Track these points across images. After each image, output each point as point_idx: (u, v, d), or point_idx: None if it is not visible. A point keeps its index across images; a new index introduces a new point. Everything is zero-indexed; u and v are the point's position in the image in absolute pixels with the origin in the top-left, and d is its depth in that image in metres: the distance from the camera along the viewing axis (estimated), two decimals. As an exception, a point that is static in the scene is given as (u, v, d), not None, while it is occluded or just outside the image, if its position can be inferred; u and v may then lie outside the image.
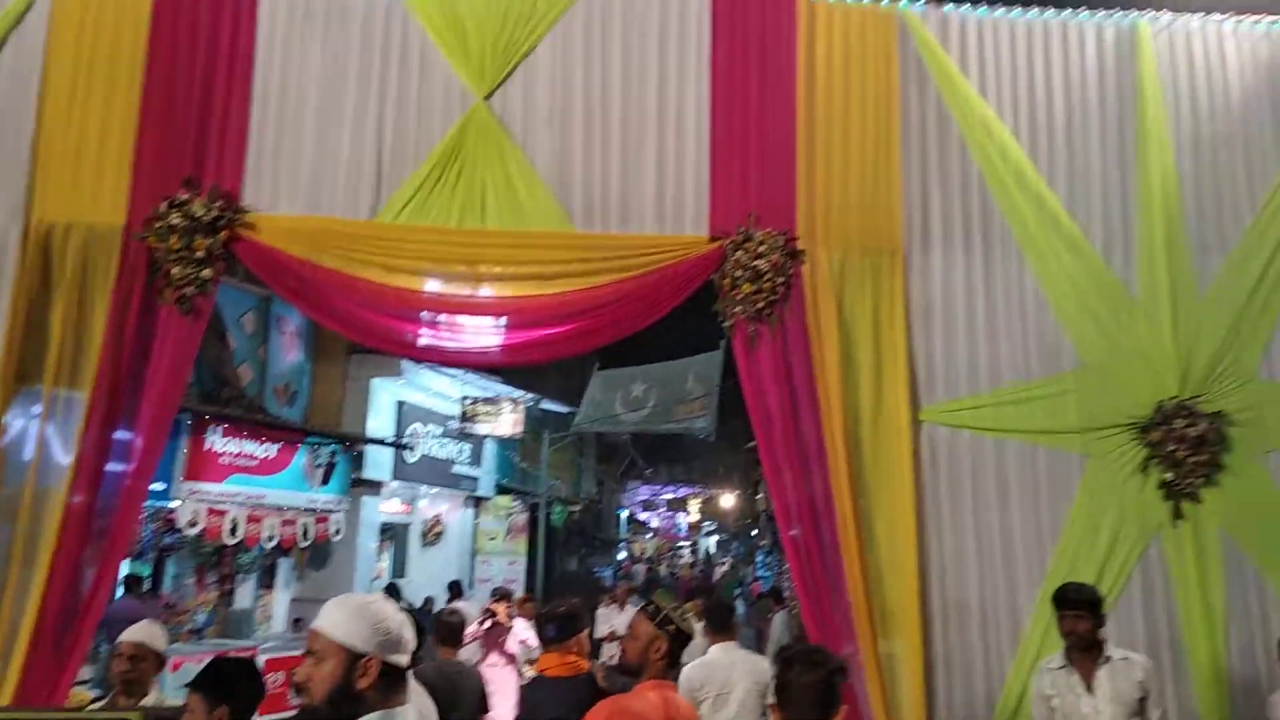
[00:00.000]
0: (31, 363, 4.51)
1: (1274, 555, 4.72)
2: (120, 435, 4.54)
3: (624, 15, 4.95)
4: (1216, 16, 5.26)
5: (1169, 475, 4.75)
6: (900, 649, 4.48)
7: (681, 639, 3.16)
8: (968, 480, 4.76)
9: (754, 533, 36.49)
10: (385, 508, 14.89)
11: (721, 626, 5.01)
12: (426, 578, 15.38)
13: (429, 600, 13.56)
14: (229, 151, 4.72)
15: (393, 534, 15.80)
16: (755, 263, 4.68)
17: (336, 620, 2.09)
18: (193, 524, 10.13)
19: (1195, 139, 5.12)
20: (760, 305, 4.71)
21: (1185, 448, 4.72)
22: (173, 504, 10.04)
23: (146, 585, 10.09)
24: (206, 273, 4.58)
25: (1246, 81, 5.22)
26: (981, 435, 4.81)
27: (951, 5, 5.13)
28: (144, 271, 4.56)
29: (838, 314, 4.73)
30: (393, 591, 12.60)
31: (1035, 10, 5.19)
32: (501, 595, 8.59)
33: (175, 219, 4.53)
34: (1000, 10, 5.18)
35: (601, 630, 9.69)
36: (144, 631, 3.89)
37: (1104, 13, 5.22)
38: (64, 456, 4.47)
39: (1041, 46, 5.16)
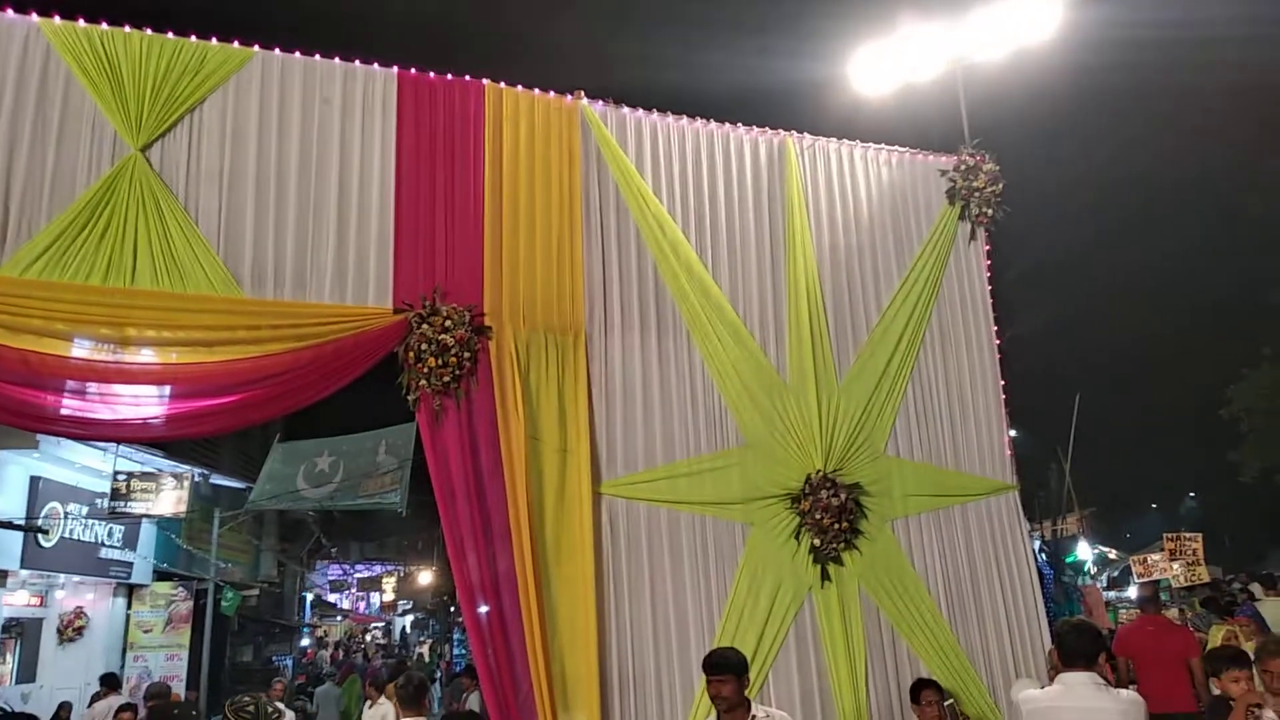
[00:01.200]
0: None
1: (902, 610, 5.37)
2: None
3: (304, 82, 4.81)
4: (848, 142, 6.12)
5: (817, 541, 5.27)
6: (579, 720, 4.52)
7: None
8: (644, 550, 4.99)
9: (452, 610, 35.50)
10: (10, 601, 12.71)
11: (413, 702, 4.99)
12: (63, 680, 13.24)
13: (64, 706, 11.67)
14: None
15: (21, 630, 13.48)
16: (441, 336, 4.66)
17: None
18: None
19: (833, 246, 5.89)
20: (447, 379, 4.67)
21: (829, 515, 5.28)
22: None
23: None
24: None
25: (873, 200, 6.09)
26: (657, 506, 5.07)
27: (627, 108, 5.53)
28: None
29: (523, 390, 4.81)
30: None
31: (700, 120, 5.74)
32: (155, 694, 7.56)
33: None
34: (670, 117, 5.66)
35: None
36: None
37: (759, 129, 5.89)
38: None
39: (707, 152, 5.71)
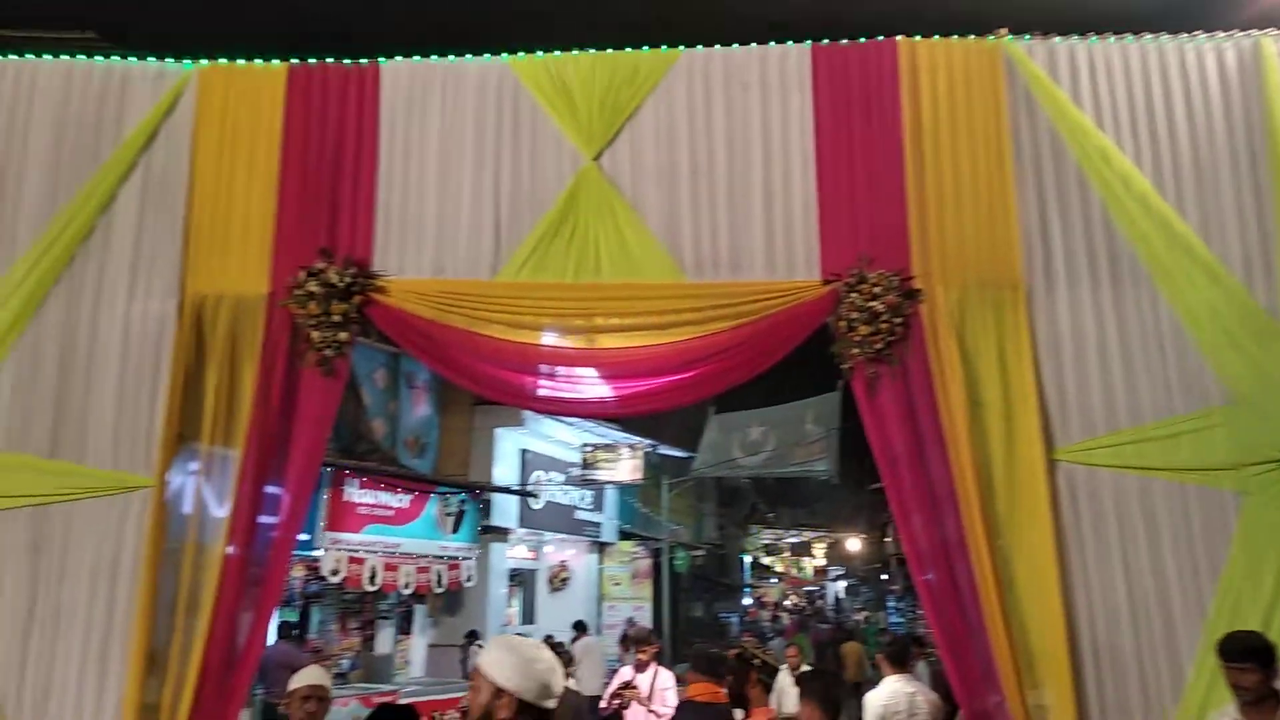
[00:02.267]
0: (189, 424, 4.87)
1: None
2: (270, 489, 4.84)
3: (725, 72, 5.04)
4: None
5: (1339, 512, 4.38)
6: (1051, 699, 4.27)
7: (769, 670, 4.38)
8: (1112, 520, 4.53)
9: (884, 577, 35.36)
10: (512, 554, 15.20)
11: (898, 659, 5.60)
12: (555, 623, 15.54)
13: (548, 637, 13.73)
14: (360, 221, 5.03)
15: (521, 580, 16.08)
16: (871, 304, 4.63)
17: (491, 658, 2.43)
18: (335, 572, 10.60)
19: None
20: (879, 346, 4.65)
21: (1356, 482, 4.36)
22: (316, 553, 10.53)
23: (294, 631, 10.58)
24: (343, 335, 4.86)
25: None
26: (1123, 473, 4.58)
27: (1059, 37, 5.01)
28: (287, 336, 4.88)
29: (960, 352, 4.62)
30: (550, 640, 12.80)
31: (1148, 36, 5.00)
32: (639, 639, 8.28)
33: (313, 287, 4.83)
34: (1111, 38, 5.01)
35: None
36: (317, 674, 4.15)
37: (1222, 34, 4.98)
38: (220, 510, 4.80)
39: (1159, 71, 4.95)
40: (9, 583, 4.75)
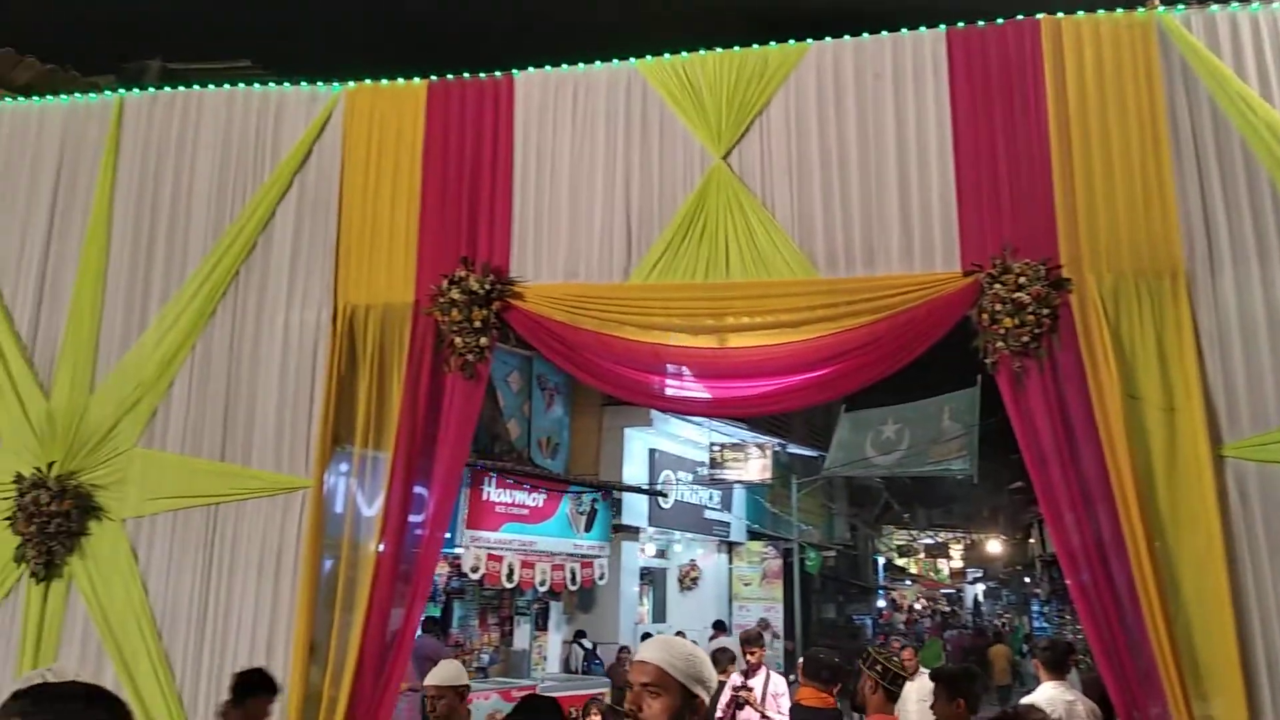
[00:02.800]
0: (342, 427, 5.15)
1: None
2: (418, 490, 5.06)
3: (855, 62, 4.94)
4: None
5: None
6: (1220, 712, 4.00)
7: (892, 676, 4.34)
8: (1287, 522, 4.20)
9: (1027, 580, 33.86)
10: (643, 553, 15.35)
11: (1056, 665, 5.45)
12: (685, 621, 15.61)
13: (679, 634, 13.78)
14: (497, 229, 5.19)
15: (651, 578, 16.22)
16: (1015, 295, 4.45)
17: (675, 662, 2.32)
18: (475, 569, 10.98)
19: None
20: (1025, 339, 4.45)
21: None
22: (458, 550, 10.92)
23: (437, 626, 11.01)
24: (484, 340, 5.03)
25: None
26: (1300, 471, 4.24)
27: (1217, 6, 4.68)
28: (432, 342, 5.08)
29: (1115, 343, 4.38)
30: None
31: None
32: (747, 641, 8.29)
33: (455, 294, 5.02)
34: (1276, 4, 4.65)
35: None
36: (441, 674, 4.30)
37: None
38: (370, 510, 5.05)
39: (1335, 33, 4.57)
40: (187, 577, 5.14)
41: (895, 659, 4.51)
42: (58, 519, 5.18)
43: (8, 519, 5.22)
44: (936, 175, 4.73)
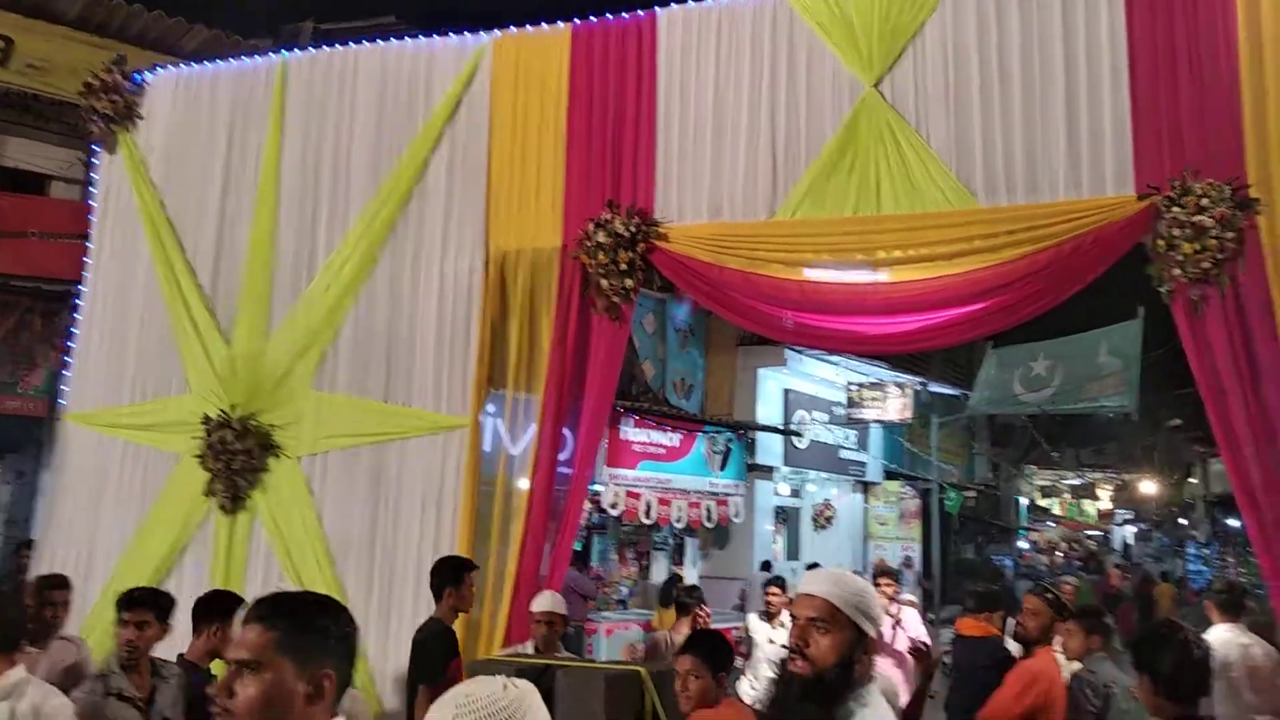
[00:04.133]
0: (495, 369, 5.34)
1: None
2: (566, 430, 5.22)
3: None
4: None
5: None
6: None
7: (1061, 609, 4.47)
8: None
9: (1182, 521, 32.12)
10: (778, 492, 15.38)
11: (1231, 607, 5.30)
12: (819, 560, 15.60)
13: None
14: (641, 172, 5.20)
15: (785, 517, 16.25)
16: (1196, 218, 4.15)
17: (846, 596, 2.16)
18: (614, 505, 11.26)
19: None
20: (1205, 266, 4.16)
21: None
22: (598, 487, 11.22)
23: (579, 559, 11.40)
24: (629, 282, 5.09)
25: None
26: None
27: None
28: (578, 285, 5.18)
29: (1308, 269, 4.05)
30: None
31: None
32: (882, 572, 8.18)
33: (601, 237, 5.08)
34: None
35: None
36: (552, 600, 4.47)
37: None
38: (520, 449, 5.24)
39: None
40: (357, 510, 5.48)
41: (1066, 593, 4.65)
42: (241, 456, 5.62)
43: (198, 456, 5.69)
44: (1109, 94, 4.42)
